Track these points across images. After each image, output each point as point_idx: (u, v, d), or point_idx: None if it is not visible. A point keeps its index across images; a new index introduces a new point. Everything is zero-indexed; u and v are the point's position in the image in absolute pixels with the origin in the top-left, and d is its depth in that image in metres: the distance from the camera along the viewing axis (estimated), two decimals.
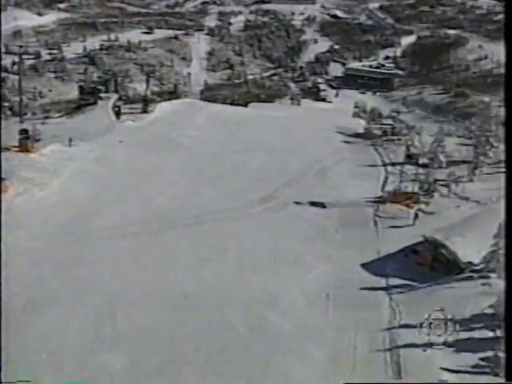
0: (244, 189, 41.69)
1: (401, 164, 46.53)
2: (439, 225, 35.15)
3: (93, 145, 48.98)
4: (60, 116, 59.35)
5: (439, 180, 42.44)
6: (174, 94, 74.54)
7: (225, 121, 60.19)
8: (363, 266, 32.27)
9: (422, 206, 38.84)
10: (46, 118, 58.23)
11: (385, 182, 44.15)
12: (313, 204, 39.81)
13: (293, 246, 34.19)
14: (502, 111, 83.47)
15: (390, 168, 47.14)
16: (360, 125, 61.66)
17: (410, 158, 47.02)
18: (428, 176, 41.20)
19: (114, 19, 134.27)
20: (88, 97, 60.36)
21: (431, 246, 32.50)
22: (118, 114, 58.80)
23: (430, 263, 31.98)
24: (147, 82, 67.71)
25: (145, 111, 60.31)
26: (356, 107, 70.84)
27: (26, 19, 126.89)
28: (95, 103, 59.96)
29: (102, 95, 61.38)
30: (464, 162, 47.64)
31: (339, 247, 34.25)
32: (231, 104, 79.12)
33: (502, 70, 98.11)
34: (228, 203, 39.24)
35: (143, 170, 44.60)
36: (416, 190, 40.32)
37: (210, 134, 54.98)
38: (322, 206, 39.54)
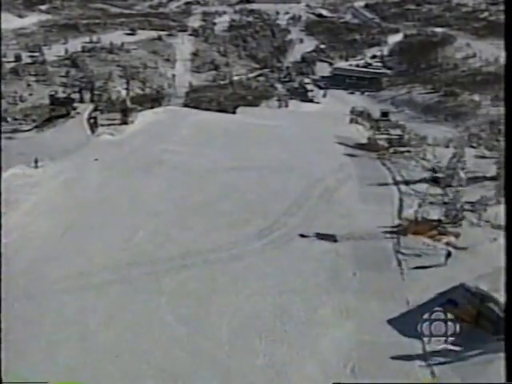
0: (238, 219, 33.51)
1: (415, 182, 38.73)
2: (478, 266, 27.56)
3: (63, 165, 40.57)
4: (29, 129, 50.58)
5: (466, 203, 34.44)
6: (158, 97, 66.16)
7: (212, 132, 51.17)
8: (391, 322, 24.79)
9: (452, 239, 30.93)
10: (14, 131, 49.58)
11: (401, 205, 35.73)
12: (321, 237, 31.52)
13: (302, 296, 26.42)
14: (492, 110, 78.57)
15: (403, 187, 38.69)
16: (360, 133, 53.59)
17: (436, 182, 38.28)
18: (455, 199, 32.94)
19: (96, 20, 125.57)
20: (60, 107, 51.44)
21: (474, 296, 24.99)
22: (93, 126, 49.96)
23: (474, 319, 24.43)
24: (127, 89, 58.88)
25: (124, 122, 51.33)
26: (352, 112, 62.54)
27: (7, 21, 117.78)
28: (68, 114, 51.20)
29: (76, 105, 52.65)
30: (485, 178, 39.76)
31: (359, 296, 26.59)
32: (218, 108, 71.95)
33: (491, 69, 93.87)
34: (220, 238, 31.13)
35: (120, 198, 36.11)
36: (441, 216, 32.45)
37: (197, 148, 46.00)
38: (333, 239, 31.27)
